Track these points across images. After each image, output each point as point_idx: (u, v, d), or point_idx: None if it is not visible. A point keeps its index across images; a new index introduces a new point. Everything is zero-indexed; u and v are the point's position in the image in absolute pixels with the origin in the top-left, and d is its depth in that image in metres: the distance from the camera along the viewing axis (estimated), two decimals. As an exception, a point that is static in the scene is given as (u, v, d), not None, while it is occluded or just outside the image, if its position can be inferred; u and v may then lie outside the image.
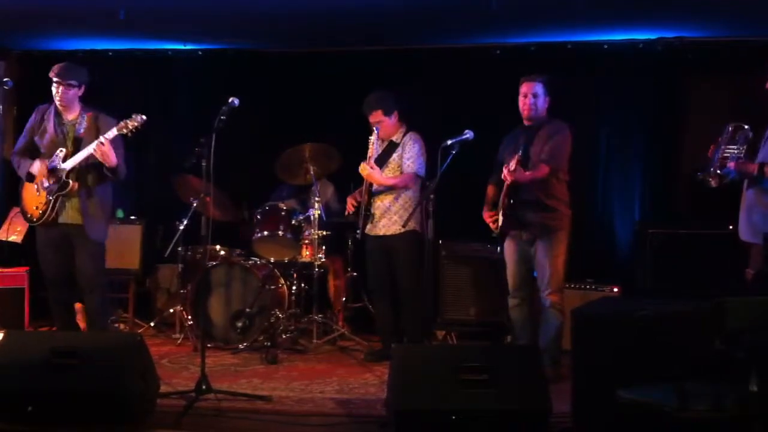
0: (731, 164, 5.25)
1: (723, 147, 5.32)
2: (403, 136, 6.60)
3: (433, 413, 4.41)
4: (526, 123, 6.10)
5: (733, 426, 3.42)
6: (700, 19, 7.20)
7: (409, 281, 6.42)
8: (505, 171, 5.83)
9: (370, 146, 6.63)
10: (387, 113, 6.55)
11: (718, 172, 5.29)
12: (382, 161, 6.58)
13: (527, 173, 5.85)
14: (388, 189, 6.52)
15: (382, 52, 8.29)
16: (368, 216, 6.58)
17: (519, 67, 7.02)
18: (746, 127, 5.32)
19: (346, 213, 6.88)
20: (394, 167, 6.54)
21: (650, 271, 7.07)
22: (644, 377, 3.74)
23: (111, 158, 5.82)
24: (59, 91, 5.98)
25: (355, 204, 6.73)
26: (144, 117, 5.79)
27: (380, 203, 6.55)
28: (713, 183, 5.31)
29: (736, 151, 5.24)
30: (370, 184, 6.58)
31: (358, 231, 6.69)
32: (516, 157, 5.80)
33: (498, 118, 6.69)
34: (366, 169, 6.50)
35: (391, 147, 6.60)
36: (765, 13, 6.74)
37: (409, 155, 6.49)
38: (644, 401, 3.50)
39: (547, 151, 5.93)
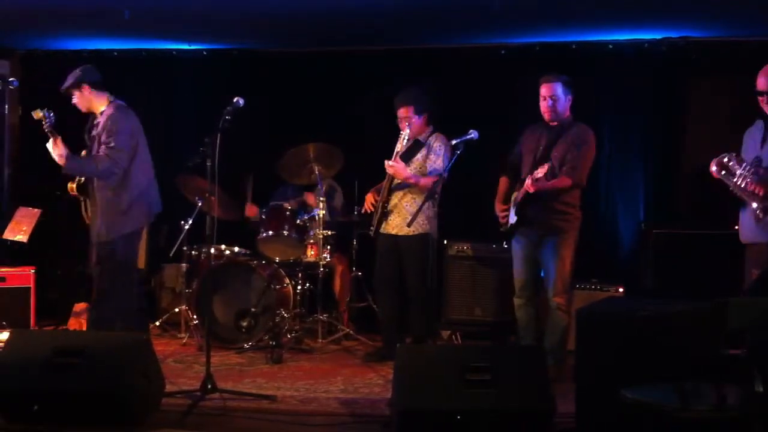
0: (755, 178, 5.11)
1: (737, 182, 5.18)
2: (429, 136, 6.55)
3: (438, 413, 4.42)
4: (550, 123, 6.10)
5: (735, 426, 3.42)
6: (705, 19, 7.19)
7: (418, 281, 6.40)
8: (528, 181, 5.74)
9: (399, 142, 6.57)
10: (417, 112, 6.50)
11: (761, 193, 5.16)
12: (405, 159, 6.50)
13: (549, 183, 5.81)
14: (409, 188, 6.48)
15: (385, 51, 8.30)
16: (386, 213, 6.56)
17: (523, 67, 7.05)
18: (723, 156, 5.21)
19: (363, 211, 6.87)
20: (417, 166, 6.48)
21: (654, 272, 7.08)
22: (647, 377, 3.75)
23: (73, 172, 5.89)
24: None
25: (374, 203, 6.71)
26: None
27: (397, 202, 6.54)
28: None
29: (747, 172, 5.12)
30: (391, 183, 6.56)
31: (372, 228, 6.68)
32: (546, 166, 5.67)
33: (502, 117, 6.70)
34: (392, 166, 6.44)
35: (416, 146, 6.54)
36: (770, 13, 6.75)
37: (436, 156, 6.43)
38: (647, 401, 3.50)
39: (571, 162, 5.90)
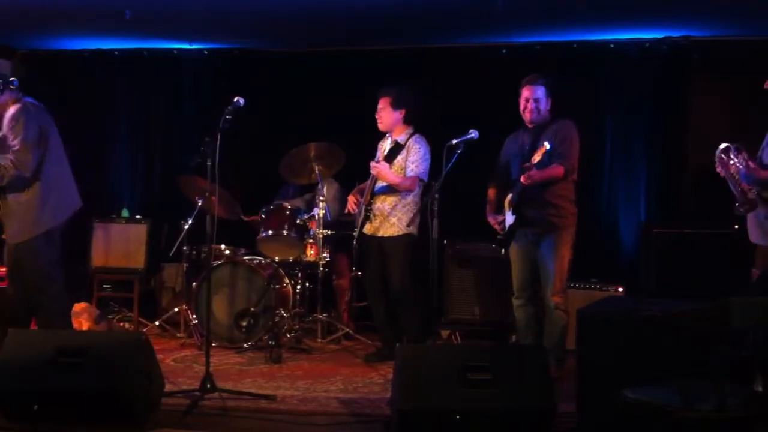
0: (742, 172, 5.18)
1: (730, 172, 5.23)
2: (409, 138, 6.57)
3: (438, 412, 4.40)
4: (529, 125, 6.10)
5: (737, 426, 3.41)
6: (707, 18, 7.19)
7: (400, 283, 6.41)
8: (524, 177, 5.76)
9: (381, 144, 6.64)
10: (394, 105, 6.52)
11: (746, 188, 5.20)
12: (387, 161, 6.55)
13: (541, 172, 5.80)
14: (390, 191, 6.50)
15: (385, 51, 8.29)
16: (368, 217, 6.57)
17: (524, 66, 7.01)
18: (724, 146, 5.26)
19: (346, 211, 6.88)
20: (397, 169, 6.50)
21: (655, 271, 7.07)
22: (648, 377, 3.74)
23: None
24: None
25: (356, 203, 6.72)
26: None
27: (380, 205, 6.54)
28: (759, 202, 5.18)
29: (740, 165, 5.18)
30: (373, 185, 6.57)
31: (355, 230, 6.68)
32: (543, 149, 5.64)
33: (503, 117, 6.68)
34: (376, 167, 6.47)
35: (396, 148, 6.57)
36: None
37: (414, 158, 6.45)
38: (648, 401, 3.49)
39: (560, 151, 5.89)
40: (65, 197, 5.92)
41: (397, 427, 4.47)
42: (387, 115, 6.55)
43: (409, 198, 6.46)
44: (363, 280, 6.89)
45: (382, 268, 6.56)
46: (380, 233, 6.53)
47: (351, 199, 6.81)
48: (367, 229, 6.59)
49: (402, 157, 6.52)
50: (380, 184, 6.55)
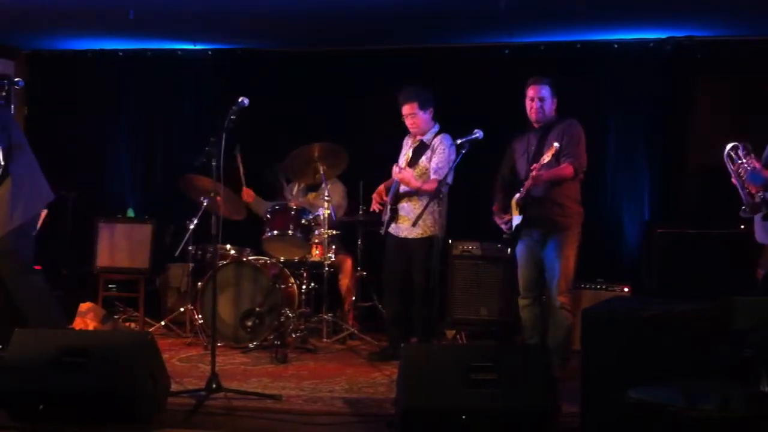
0: (749, 173, 5.18)
1: (738, 172, 5.24)
2: (434, 137, 6.53)
3: (442, 412, 4.41)
4: (535, 125, 6.10)
5: (741, 426, 3.42)
6: (710, 18, 7.19)
7: (424, 282, 6.40)
8: (533, 172, 5.74)
9: (405, 146, 6.65)
10: (422, 107, 6.48)
11: (753, 191, 5.21)
12: (411, 162, 6.55)
13: (550, 172, 5.82)
14: (415, 193, 6.49)
15: (388, 51, 8.30)
16: (394, 217, 6.57)
17: (528, 66, 7.03)
18: (733, 143, 5.28)
19: (371, 210, 6.87)
20: (422, 169, 6.49)
21: (658, 271, 7.08)
22: (653, 377, 3.75)
23: None
24: None
25: (381, 202, 6.70)
26: None
27: (405, 205, 6.54)
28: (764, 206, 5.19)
29: (747, 165, 5.19)
30: (398, 186, 6.56)
31: (382, 229, 6.68)
32: (553, 148, 5.68)
33: (507, 117, 6.69)
34: (399, 174, 6.46)
35: (421, 148, 6.55)
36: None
37: (438, 160, 6.42)
38: (652, 401, 3.50)
39: (568, 150, 5.90)
40: (36, 190, 5.87)
41: (401, 426, 4.48)
42: (419, 120, 6.50)
43: (435, 200, 6.41)
44: (383, 278, 6.84)
45: (403, 268, 6.56)
46: (405, 234, 6.53)
47: (376, 198, 6.78)
48: (392, 228, 6.60)
49: (426, 157, 6.49)
50: (405, 186, 6.56)
